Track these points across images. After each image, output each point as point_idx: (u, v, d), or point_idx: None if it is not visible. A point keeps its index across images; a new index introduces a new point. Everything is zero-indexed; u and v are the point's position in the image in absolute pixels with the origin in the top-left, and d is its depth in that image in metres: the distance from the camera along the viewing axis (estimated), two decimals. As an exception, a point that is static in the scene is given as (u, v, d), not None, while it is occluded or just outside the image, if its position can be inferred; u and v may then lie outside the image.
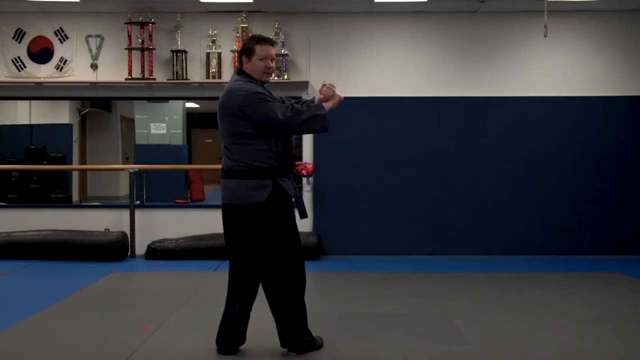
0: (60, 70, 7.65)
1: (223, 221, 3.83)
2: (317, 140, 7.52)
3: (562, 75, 7.58)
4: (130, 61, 7.49)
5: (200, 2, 7.24)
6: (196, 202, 11.45)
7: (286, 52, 7.44)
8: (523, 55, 7.59)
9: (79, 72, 7.67)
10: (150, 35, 7.49)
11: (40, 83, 7.69)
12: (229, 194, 3.74)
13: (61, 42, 7.66)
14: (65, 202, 10.13)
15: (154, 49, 7.53)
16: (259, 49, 3.75)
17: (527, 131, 7.56)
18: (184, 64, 7.53)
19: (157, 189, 9.91)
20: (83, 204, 10.73)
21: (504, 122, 7.57)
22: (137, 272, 6.73)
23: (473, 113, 7.57)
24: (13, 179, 10.02)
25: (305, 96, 7.55)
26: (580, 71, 7.59)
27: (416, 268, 6.85)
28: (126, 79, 7.53)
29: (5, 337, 4.23)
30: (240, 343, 3.87)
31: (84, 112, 12.38)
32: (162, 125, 12.21)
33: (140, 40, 7.48)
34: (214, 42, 7.53)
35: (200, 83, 7.57)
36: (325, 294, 5.44)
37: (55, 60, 7.65)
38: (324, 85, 3.82)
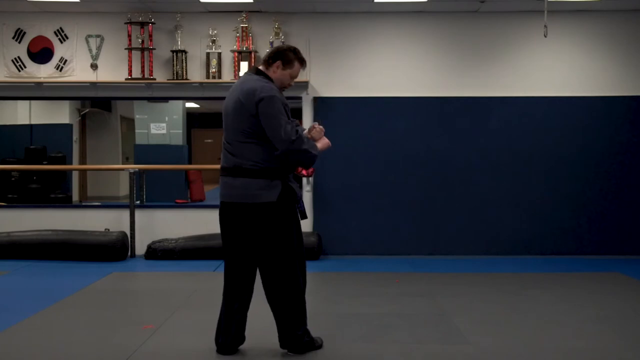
0: (60, 70, 7.66)
1: (224, 220, 3.80)
2: (317, 140, 7.51)
3: (562, 75, 7.58)
4: (130, 61, 7.50)
5: (200, 2, 7.24)
6: (196, 202, 11.45)
7: (286, 52, 7.43)
8: (523, 55, 7.60)
9: (79, 72, 7.67)
10: (150, 35, 7.49)
11: (40, 83, 7.69)
12: (235, 192, 3.71)
13: (61, 42, 7.66)
14: (65, 202, 10.14)
15: (154, 49, 7.53)
16: (296, 66, 3.82)
17: (527, 131, 7.56)
18: (184, 64, 7.53)
19: (157, 189, 9.92)
20: (83, 204, 10.74)
21: (503, 122, 7.57)
22: (137, 272, 6.73)
23: (473, 113, 7.57)
24: (13, 179, 10.02)
25: (305, 96, 7.56)
26: (580, 71, 7.59)
27: (416, 268, 6.85)
28: (126, 79, 7.53)
29: (5, 337, 4.23)
30: (240, 343, 3.87)
31: (84, 112, 12.38)
32: (162, 125, 12.21)
33: (140, 40, 7.48)
34: (214, 42, 7.54)
35: (200, 83, 7.57)
36: (325, 294, 5.44)
37: (55, 60, 7.65)
38: (314, 127, 3.85)
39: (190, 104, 14.90)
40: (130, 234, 7.40)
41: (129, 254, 7.35)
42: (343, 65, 7.62)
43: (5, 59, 7.66)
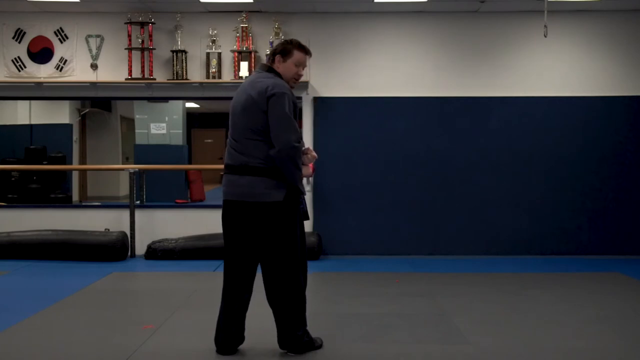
0: (60, 70, 7.66)
1: (228, 218, 3.77)
2: (317, 141, 7.51)
3: (562, 75, 7.58)
4: (130, 61, 7.50)
5: (200, 2, 7.24)
6: (196, 202, 11.46)
7: (286, 52, 7.43)
8: (523, 55, 7.60)
9: (79, 72, 7.67)
10: (150, 35, 7.49)
11: (40, 83, 7.69)
12: (242, 190, 3.69)
13: (61, 42, 7.66)
14: (65, 202, 10.14)
15: (154, 49, 7.53)
16: (296, 54, 3.80)
17: (527, 131, 7.56)
18: (184, 64, 7.53)
19: (157, 189, 9.92)
20: (83, 204, 10.74)
21: (503, 122, 7.57)
22: (137, 272, 6.73)
23: (473, 113, 7.57)
24: (13, 179, 10.02)
25: (305, 96, 7.56)
26: (580, 71, 7.59)
27: (416, 268, 6.85)
28: (126, 79, 7.53)
29: (5, 337, 4.23)
30: (239, 343, 3.87)
31: (84, 112, 12.38)
32: (162, 125, 12.21)
33: (140, 40, 7.48)
34: (214, 42, 7.54)
35: (200, 83, 7.57)
36: (325, 294, 5.44)
37: (55, 60, 7.65)
38: (310, 151, 3.85)
39: (190, 104, 14.91)
40: (130, 234, 7.40)
41: (129, 254, 7.35)
42: (343, 65, 7.62)
43: (5, 59, 7.66)
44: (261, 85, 3.68)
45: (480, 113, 7.57)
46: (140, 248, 7.38)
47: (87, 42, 7.66)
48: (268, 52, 3.77)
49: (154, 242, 7.25)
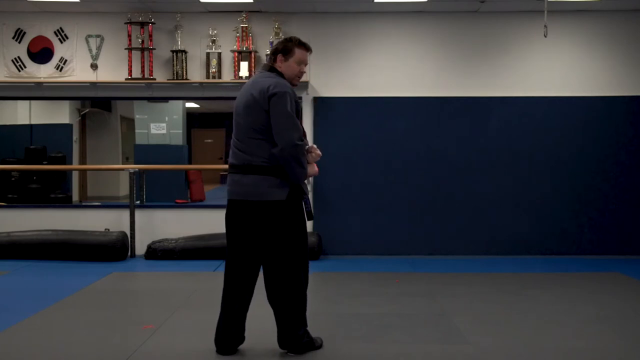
0: (60, 70, 7.66)
1: (231, 218, 3.76)
2: (317, 141, 7.51)
3: (562, 75, 7.58)
4: (130, 61, 7.50)
5: (200, 2, 7.24)
6: (196, 202, 11.46)
7: (286, 52, 7.43)
8: (523, 55, 7.60)
9: (79, 72, 7.67)
10: (150, 35, 7.49)
11: (40, 83, 7.69)
12: (245, 189, 3.69)
13: (61, 42, 7.66)
14: (65, 202, 10.14)
15: (154, 49, 7.53)
16: (298, 52, 3.80)
17: (527, 131, 7.56)
18: (184, 64, 7.53)
19: (157, 189, 9.92)
20: (83, 204, 10.74)
21: (503, 122, 7.57)
22: (137, 272, 6.73)
23: (473, 113, 7.57)
24: (13, 179, 10.02)
25: (305, 96, 7.56)
26: (580, 71, 7.59)
27: (416, 268, 6.85)
28: (126, 79, 7.53)
29: (5, 337, 4.23)
30: (240, 343, 3.87)
31: (84, 112, 12.38)
32: (162, 125, 12.21)
33: (140, 40, 7.48)
34: (214, 42, 7.54)
35: (200, 83, 7.57)
36: (325, 294, 5.44)
37: (55, 60, 7.65)
38: (314, 149, 3.83)
39: (190, 104, 14.90)
40: (130, 234, 7.40)
41: (129, 254, 7.35)
42: (343, 65, 7.62)
43: (5, 59, 7.66)
44: (262, 84, 3.69)
45: (480, 113, 7.57)
46: (140, 248, 7.38)
47: (87, 42, 7.66)
48: (268, 52, 3.75)
49: (154, 242, 7.25)
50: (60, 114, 11.52)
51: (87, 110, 12.44)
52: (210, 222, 7.33)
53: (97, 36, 7.67)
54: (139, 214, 7.50)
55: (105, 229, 7.39)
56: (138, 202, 7.83)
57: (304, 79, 7.42)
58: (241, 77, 7.35)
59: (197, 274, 6.38)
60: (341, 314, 4.80)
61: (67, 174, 11.12)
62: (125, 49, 7.50)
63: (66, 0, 7.23)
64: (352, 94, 7.60)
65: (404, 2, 7.26)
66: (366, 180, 7.58)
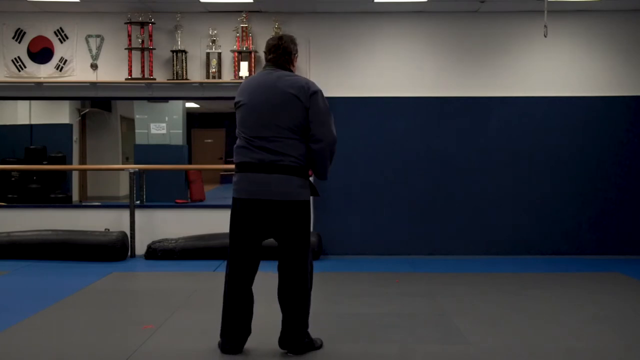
0: (60, 70, 7.66)
1: (246, 217, 3.70)
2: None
3: (562, 75, 7.58)
4: (130, 61, 7.50)
5: (200, 2, 7.24)
6: (196, 202, 11.45)
7: (286, 52, 7.42)
8: (523, 55, 7.59)
9: (79, 72, 7.67)
10: (150, 35, 7.49)
11: (40, 83, 7.69)
12: (270, 189, 3.65)
13: (61, 42, 7.66)
14: (65, 202, 10.14)
15: (154, 49, 7.53)
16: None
17: (527, 131, 7.56)
18: (184, 64, 7.53)
19: (157, 189, 9.92)
20: (83, 204, 10.74)
21: (503, 122, 7.57)
22: (137, 272, 6.73)
23: (473, 113, 7.57)
24: (13, 179, 10.02)
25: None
26: (580, 71, 7.59)
27: (416, 268, 6.85)
28: (126, 79, 7.53)
29: (5, 337, 4.23)
30: (248, 334, 3.85)
31: (84, 112, 12.38)
32: (162, 125, 12.21)
33: (140, 40, 7.48)
34: (214, 42, 7.54)
35: (200, 83, 7.57)
36: (325, 294, 5.44)
37: (55, 60, 7.65)
38: None
39: (190, 104, 14.90)
40: (130, 234, 7.40)
41: (129, 254, 7.35)
42: (343, 65, 7.62)
43: (5, 59, 7.66)
44: (296, 82, 3.70)
45: (480, 113, 7.57)
46: (140, 248, 7.37)
47: (87, 42, 7.66)
48: (267, 50, 3.72)
49: (154, 242, 7.25)
50: (60, 114, 11.52)
51: (87, 110, 12.44)
52: (210, 222, 7.33)
53: (97, 36, 7.67)
54: (139, 214, 7.49)
55: (105, 229, 7.39)
56: (138, 202, 7.83)
57: (304, 79, 7.48)
58: (241, 77, 7.35)
59: (197, 274, 6.38)
60: (341, 314, 4.80)
61: (67, 174, 11.12)
62: (125, 49, 7.50)
63: (66, 0, 7.23)
64: (352, 94, 7.60)
65: (404, 2, 7.26)
66: (366, 180, 7.58)
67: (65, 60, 7.65)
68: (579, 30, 7.59)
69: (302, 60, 7.58)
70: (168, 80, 7.57)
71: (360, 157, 7.59)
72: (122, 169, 9.72)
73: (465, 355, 3.89)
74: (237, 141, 3.79)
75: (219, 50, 7.55)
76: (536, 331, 4.38)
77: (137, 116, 12.40)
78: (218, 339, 3.89)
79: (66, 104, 11.46)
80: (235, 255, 3.78)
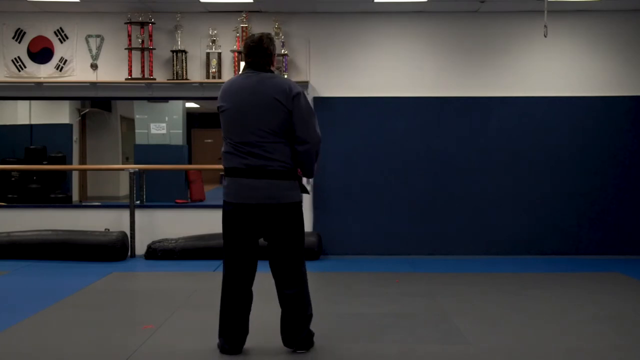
0: (60, 70, 7.66)
1: (240, 221, 3.71)
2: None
3: (562, 75, 7.58)
4: (130, 61, 7.49)
5: (200, 2, 7.24)
6: (196, 202, 11.45)
7: (286, 52, 7.44)
8: (523, 55, 7.59)
9: (79, 72, 7.67)
10: (150, 35, 7.49)
11: (40, 83, 7.69)
12: (260, 193, 3.66)
13: (61, 42, 7.66)
14: (65, 202, 10.14)
15: (154, 49, 7.53)
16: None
17: (527, 131, 7.56)
18: (184, 64, 7.53)
19: (157, 189, 9.92)
20: (83, 204, 10.74)
21: (503, 122, 7.57)
22: (137, 272, 6.73)
23: (473, 113, 7.57)
24: (13, 179, 10.02)
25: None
26: (580, 71, 7.59)
27: (416, 268, 6.85)
28: (126, 79, 7.53)
29: (5, 337, 4.23)
30: (246, 334, 3.86)
31: (84, 112, 12.38)
32: (162, 125, 12.21)
33: (140, 40, 7.48)
34: (214, 42, 7.54)
35: (200, 83, 7.57)
36: (325, 294, 5.44)
37: (55, 60, 7.65)
38: None
39: (190, 104, 14.90)
40: (130, 234, 7.40)
41: (129, 254, 7.35)
42: (343, 65, 7.62)
43: (5, 59, 7.66)
44: (277, 84, 3.69)
45: (480, 113, 7.57)
46: (140, 248, 7.37)
47: (87, 42, 7.66)
48: (245, 51, 3.67)
49: (154, 242, 7.25)
50: (60, 114, 11.53)
51: (87, 110, 12.44)
52: (210, 222, 7.32)
53: (97, 36, 7.67)
54: (139, 214, 7.49)
55: (105, 229, 7.39)
56: (138, 202, 7.83)
57: (304, 79, 7.49)
58: (241, 77, 7.34)
59: (197, 274, 6.38)
60: (341, 314, 4.80)
61: (67, 174, 11.12)
62: (125, 49, 7.50)
63: (66, 0, 7.23)
64: (352, 94, 7.60)
65: (404, 2, 7.26)
66: (366, 180, 7.58)
67: (65, 60, 7.65)
68: (579, 30, 7.59)
69: (302, 60, 7.59)
70: (168, 80, 7.57)
71: (360, 157, 7.59)
72: (122, 169, 9.72)
73: (465, 355, 3.89)
74: (224, 146, 3.79)
75: (219, 50, 7.55)
76: (536, 331, 4.38)
77: (137, 116, 12.40)
78: (217, 339, 3.88)
79: (66, 104, 11.46)
80: (230, 257, 3.79)
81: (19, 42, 7.66)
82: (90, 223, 7.46)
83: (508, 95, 7.57)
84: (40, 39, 7.66)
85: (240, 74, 3.87)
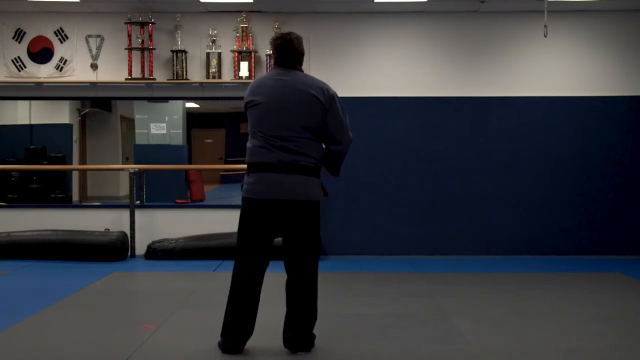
0: (60, 70, 7.66)
1: (263, 217, 3.69)
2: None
3: (562, 75, 7.58)
4: (130, 61, 7.49)
5: (200, 2, 7.24)
6: (196, 202, 11.45)
7: (286, 52, 7.42)
8: (523, 55, 7.59)
9: (79, 72, 7.67)
10: (150, 35, 7.49)
11: (40, 83, 7.69)
12: (289, 189, 3.66)
13: (61, 42, 7.66)
14: (65, 202, 10.13)
15: (154, 49, 7.53)
16: None
17: (527, 131, 7.56)
18: (184, 64, 7.53)
19: (157, 189, 9.91)
20: (83, 204, 10.73)
21: (504, 122, 7.57)
22: (137, 272, 6.73)
23: (473, 113, 7.57)
24: (13, 179, 10.02)
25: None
26: (580, 71, 7.59)
27: (416, 268, 6.85)
28: (126, 79, 7.53)
29: (5, 337, 4.23)
30: (250, 336, 3.85)
31: (84, 112, 12.38)
32: (162, 125, 12.20)
33: (140, 40, 7.48)
34: (214, 42, 7.54)
35: (200, 83, 7.57)
36: (325, 294, 5.41)
37: (55, 60, 7.65)
38: None
39: (190, 104, 14.89)
40: (130, 234, 7.40)
41: (129, 254, 7.35)
42: (343, 65, 7.62)
43: (5, 59, 7.66)
44: (314, 83, 3.76)
45: (480, 113, 7.57)
46: (140, 248, 7.37)
47: (87, 42, 7.66)
48: (270, 52, 3.73)
49: (154, 242, 7.25)
50: (60, 114, 11.52)
51: (87, 110, 12.43)
52: (210, 222, 7.33)
53: (97, 36, 7.67)
54: (139, 214, 7.49)
55: (105, 229, 7.39)
56: (138, 202, 7.83)
57: (304, 79, 7.47)
58: (241, 77, 7.35)
59: (197, 274, 6.38)
60: (341, 314, 4.80)
61: (67, 174, 11.11)
62: (125, 49, 7.50)
63: (66, 0, 7.23)
64: (352, 94, 7.58)
65: (404, 2, 7.26)
66: (366, 180, 7.58)
67: (65, 60, 7.65)
68: (579, 30, 7.58)
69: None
70: (168, 80, 7.57)
71: (360, 157, 7.57)
72: (122, 169, 9.72)
73: (465, 355, 3.89)
74: (252, 141, 3.75)
75: (219, 50, 7.55)
76: (536, 331, 4.38)
77: (137, 116, 12.39)
78: (218, 338, 3.88)
79: (66, 104, 11.45)
80: (244, 256, 3.76)
81: (19, 42, 7.66)
82: (90, 223, 7.46)
83: (508, 95, 7.57)
84: (40, 39, 7.66)
85: (271, 71, 3.89)
